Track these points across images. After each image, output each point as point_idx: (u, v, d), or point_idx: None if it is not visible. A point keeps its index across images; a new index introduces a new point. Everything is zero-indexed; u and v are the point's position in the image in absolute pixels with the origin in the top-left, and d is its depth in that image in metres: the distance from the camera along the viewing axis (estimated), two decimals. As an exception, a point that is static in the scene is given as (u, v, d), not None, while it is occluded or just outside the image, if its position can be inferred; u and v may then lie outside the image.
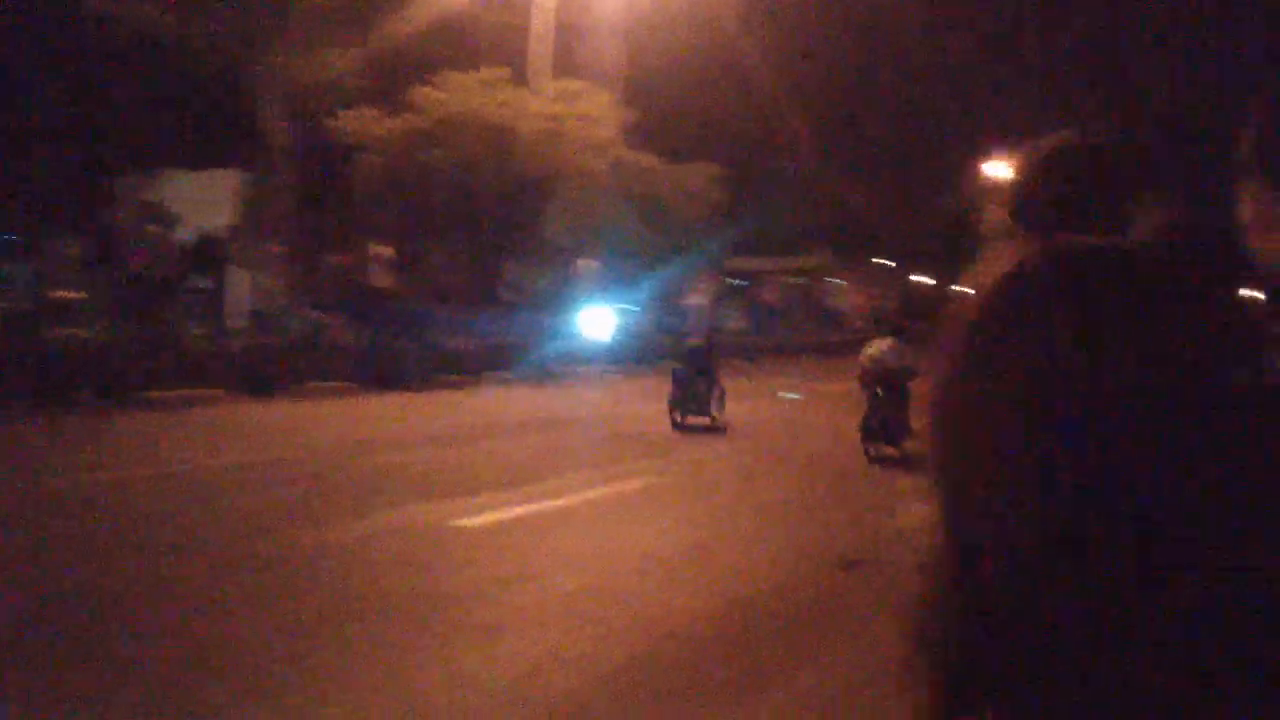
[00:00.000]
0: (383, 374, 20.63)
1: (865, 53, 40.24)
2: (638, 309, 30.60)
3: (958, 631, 1.21)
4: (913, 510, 8.38)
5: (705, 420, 15.86)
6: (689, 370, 16.12)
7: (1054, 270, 1.23)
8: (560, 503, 10.21)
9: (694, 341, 17.18)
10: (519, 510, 9.72)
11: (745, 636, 6.44)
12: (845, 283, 51.50)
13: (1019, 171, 2.31)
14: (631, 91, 28.76)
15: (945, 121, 49.99)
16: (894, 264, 52.57)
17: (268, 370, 18.88)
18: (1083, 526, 1.09)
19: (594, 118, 27.30)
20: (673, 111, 31.03)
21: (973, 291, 1.35)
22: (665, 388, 16.07)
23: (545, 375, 23.69)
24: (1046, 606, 1.12)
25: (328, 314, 21.76)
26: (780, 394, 20.27)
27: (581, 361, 26.36)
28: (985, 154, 56.18)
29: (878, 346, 13.79)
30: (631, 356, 27.90)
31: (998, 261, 1.35)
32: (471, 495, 10.24)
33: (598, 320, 28.64)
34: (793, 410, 20.06)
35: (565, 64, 27.78)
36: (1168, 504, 1.10)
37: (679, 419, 15.82)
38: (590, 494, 10.72)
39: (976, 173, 55.46)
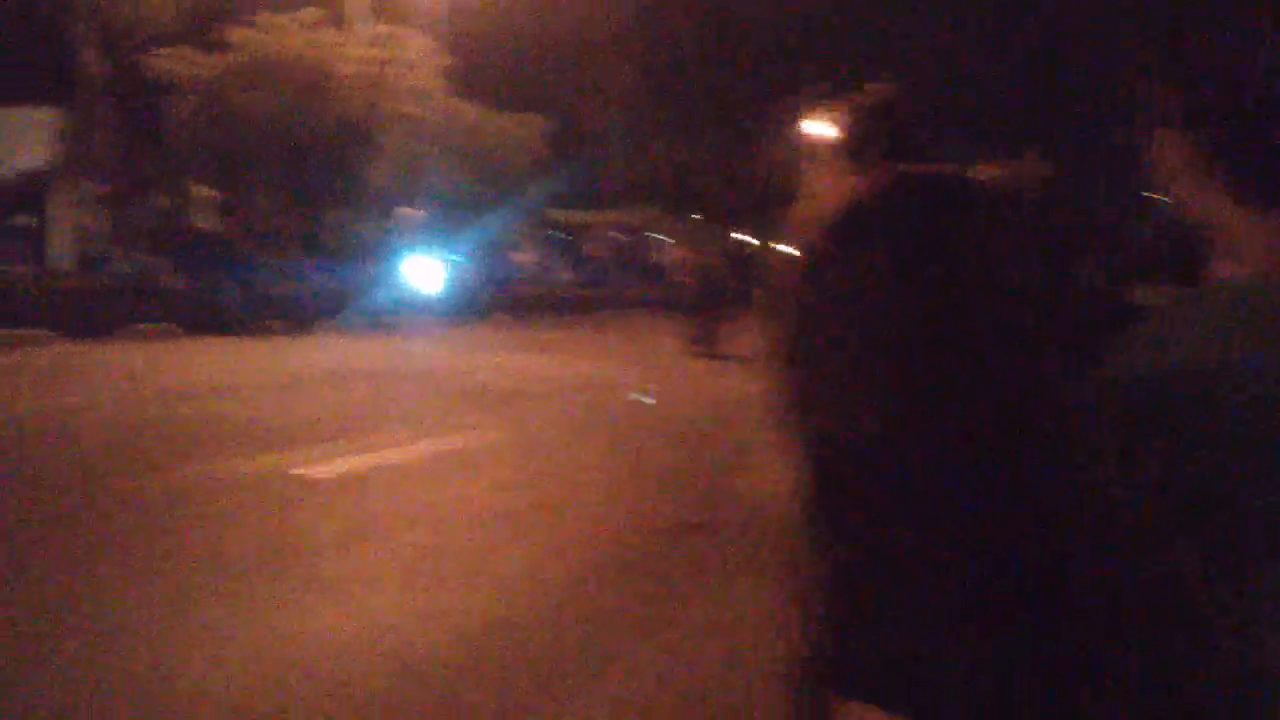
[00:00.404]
0: (208, 319, 20.22)
1: (693, 2, 40.47)
2: (465, 260, 30.47)
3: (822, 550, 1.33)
4: (755, 474, 8.69)
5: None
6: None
7: (902, 188, 1.35)
8: (402, 454, 10.11)
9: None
10: (360, 460, 9.59)
11: (599, 596, 6.36)
12: (668, 239, 52.02)
13: (854, 114, 2.59)
14: (455, 39, 28.51)
15: (769, 77, 50.74)
16: (715, 221, 53.20)
17: (95, 312, 18.37)
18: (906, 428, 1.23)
19: (415, 63, 27.04)
20: (497, 60, 30.93)
21: (804, 219, 1.43)
22: (496, 338, 15.97)
23: (374, 325, 23.47)
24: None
25: (152, 256, 21.18)
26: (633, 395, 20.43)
27: (410, 311, 26.15)
28: (805, 111, 57.59)
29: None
30: (460, 308, 27.81)
31: (837, 185, 1.47)
32: (310, 445, 10.10)
33: (426, 270, 28.42)
34: (634, 372, 20.05)
35: (387, 9, 27.36)
36: (974, 399, 1.24)
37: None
38: (432, 446, 10.63)
39: (797, 130, 56.72)
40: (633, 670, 5.27)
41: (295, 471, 9.06)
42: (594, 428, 12.89)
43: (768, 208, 53.04)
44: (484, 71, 29.31)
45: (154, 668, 4.90)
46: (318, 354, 18.58)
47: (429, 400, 13.88)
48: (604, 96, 39.03)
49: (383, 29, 26.77)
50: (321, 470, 9.19)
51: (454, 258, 29.51)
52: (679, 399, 15.20)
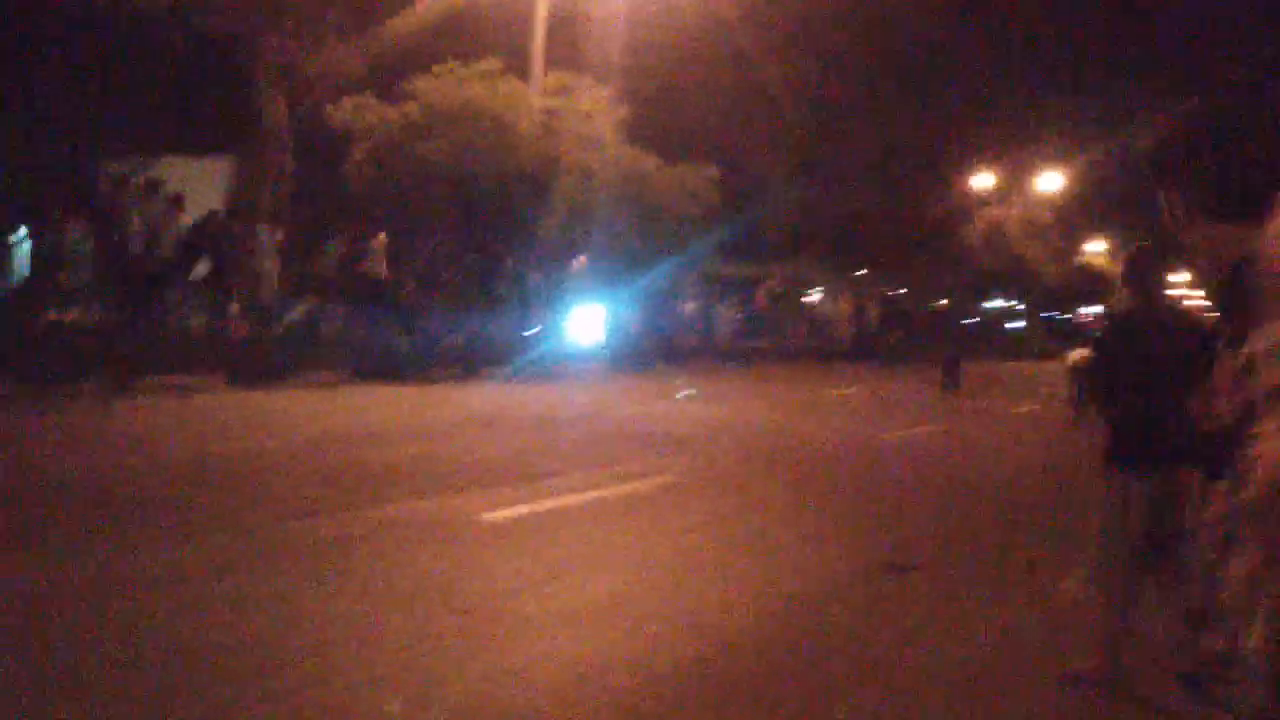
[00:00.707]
0: (378, 366, 20.39)
1: (860, 55, 40.05)
2: (631, 309, 30.47)
3: None
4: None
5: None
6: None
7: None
8: (583, 497, 10.01)
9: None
10: (542, 505, 9.50)
11: (803, 641, 6.26)
12: (826, 292, 51.50)
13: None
14: (629, 87, 28.59)
15: (931, 133, 50.03)
16: (871, 273, 52.46)
17: (267, 360, 18.64)
18: None
19: (591, 113, 27.14)
20: (669, 109, 30.93)
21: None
22: (661, 388, 15.97)
23: (541, 372, 23.48)
24: None
25: (324, 303, 21.51)
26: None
27: (576, 360, 26.20)
28: (969, 167, 56.52)
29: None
30: (626, 357, 27.78)
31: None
32: (489, 488, 10.05)
33: (592, 319, 28.49)
34: (806, 412, 20.00)
35: (565, 57, 27.58)
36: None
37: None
38: (611, 489, 10.50)
39: (961, 184, 55.68)
40: (855, 710, 5.26)
41: (479, 515, 8.94)
42: (771, 469, 12.88)
43: (924, 261, 52.25)
44: (656, 121, 29.34)
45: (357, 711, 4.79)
46: (487, 400, 18.65)
47: (602, 445, 13.87)
48: (771, 146, 38.78)
49: (561, 78, 26.93)
50: (505, 513, 9.10)
51: (620, 308, 29.52)
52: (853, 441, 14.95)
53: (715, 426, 16.46)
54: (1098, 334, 6.71)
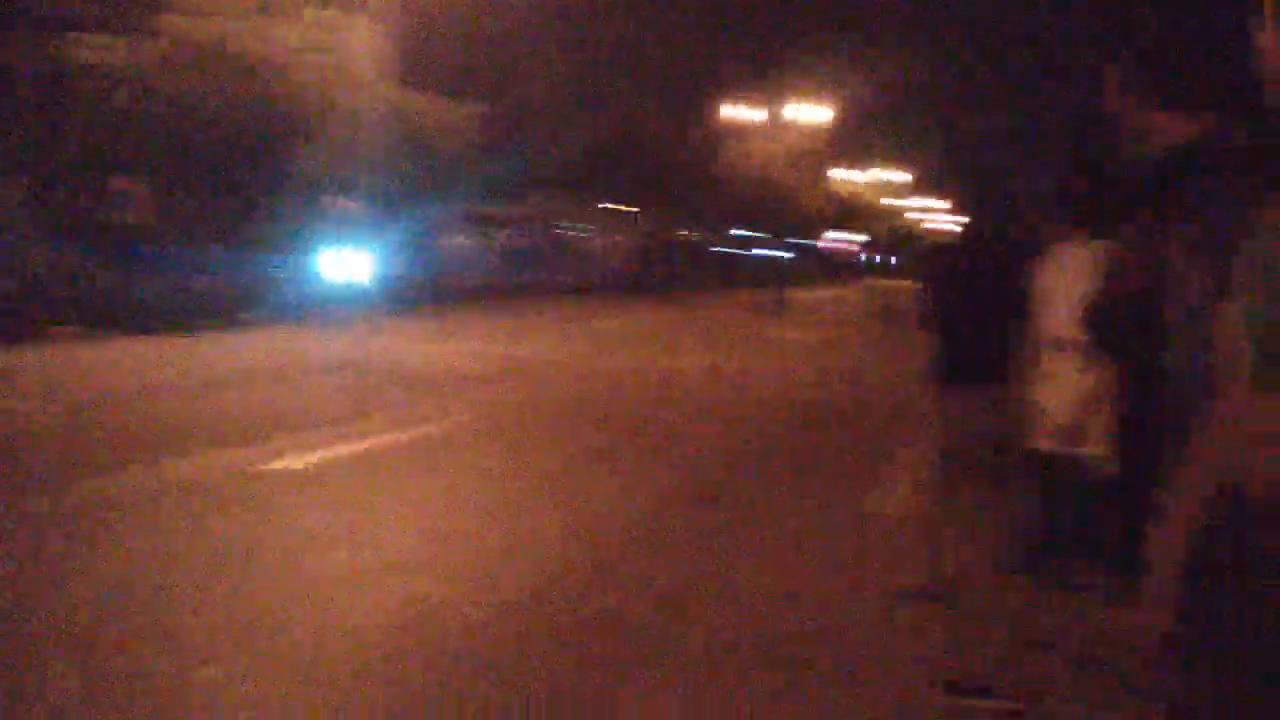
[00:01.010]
0: (125, 317, 19.34)
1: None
2: (398, 249, 29.98)
3: None
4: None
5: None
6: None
7: None
8: (373, 444, 9.88)
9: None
10: (333, 453, 9.35)
11: (626, 576, 6.30)
12: (589, 226, 51.68)
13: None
14: (393, 22, 27.83)
15: (682, 65, 50.55)
16: (635, 205, 52.75)
17: (13, 313, 17.57)
18: None
19: (354, 49, 26.37)
20: (434, 43, 30.30)
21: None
22: (431, 327, 15.72)
23: (307, 317, 22.92)
24: None
25: (70, 252, 20.28)
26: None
27: (338, 303, 25.65)
28: (723, 96, 57.38)
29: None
30: (393, 299, 27.34)
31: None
32: (276, 439, 9.79)
33: (356, 262, 27.90)
34: (582, 345, 20.09)
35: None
36: None
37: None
38: (399, 435, 10.40)
39: (715, 115, 56.47)
40: (703, 643, 5.28)
41: (271, 466, 8.77)
42: (561, 407, 13.00)
43: (685, 193, 52.94)
44: (422, 57, 28.71)
45: (145, 676, 4.64)
46: (255, 349, 18.04)
47: (383, 390, 13.63)
48: (537, 79, 38.40)
49: (320, 14, 25.98)
50: (296, 463, 8.92)
51: (383, 248, 29.00)
52: (630, 373, 15.21)
53: (497, 366, 16.44)
54: (931, 256, 6.95)
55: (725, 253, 63.63)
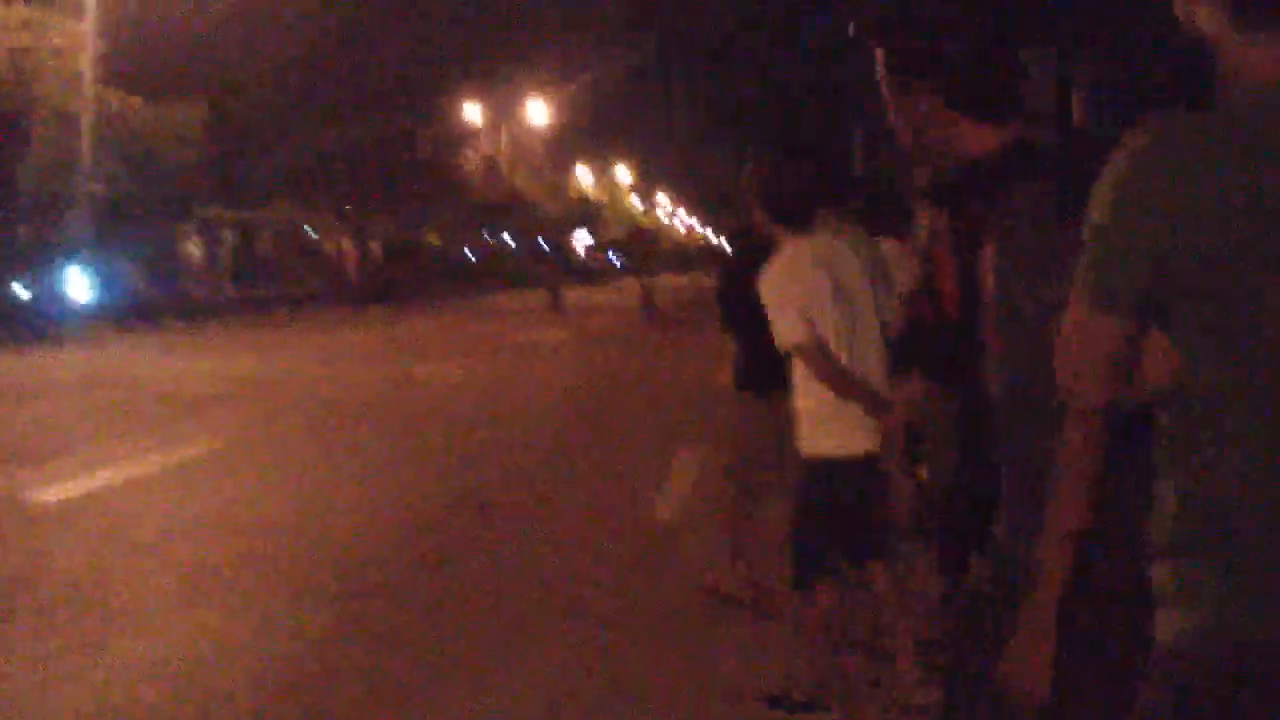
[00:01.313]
0: None
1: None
2: (129, 262, 28.39)
3: None
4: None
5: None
6: None
7: None
8: (136, 469, 9.22)
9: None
10: (95, 480, 8.73)
11: (425, 587, 6.16)
12: (329, 233, 50.37)
13: (764, 177, 4.33)
14: (107, 22, 26.24)
15: (422, 63, 49.83)
16: (371, 210, 51.57)
17: None
18: None
19: (67, 50, 24.72)
20: (153, 43, 28.73)
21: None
22: (172, 342, 14.82)
23: (36, 336, 21.35)
24: None
25: None
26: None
27: (74, 319, 24.01)
28: (457, 97, 56.83)
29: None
30: (128, 313, 25.79)
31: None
32: (31, 466, 9.10)
33: (83, 275, 26.20)
34: (334, 359, 19.38)
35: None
36: None
37: None
38: (163, 458, 9.74)
39: (452, 115, 55.89)
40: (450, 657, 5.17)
41: (30, 496, 8.12)
42: (324, 420, 12.48)
43: (422, 196, 52.16)
44: (138, 59, 27.13)
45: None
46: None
47: (136, 411, 12.85)
48: (264, 82, 36.92)
49: (24, 11, 24.21)
50: (58, 493, 8.27)
51: (118, 261, 27.45)
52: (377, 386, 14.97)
53: (250, 382, 15.68)
54: (728, 260, 6.76)
55: (471, 257, 63.15)
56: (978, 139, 2.36)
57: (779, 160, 4.34)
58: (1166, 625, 1.65)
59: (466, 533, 7.37)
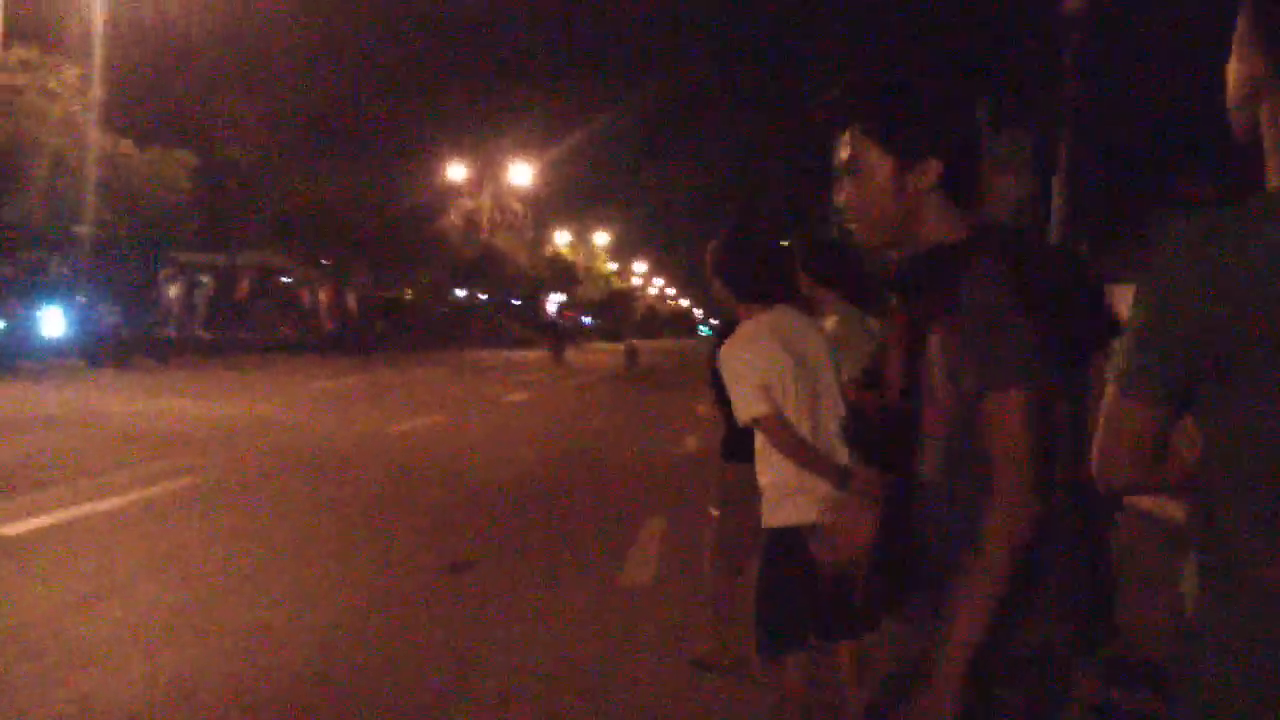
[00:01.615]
0: None
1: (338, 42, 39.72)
2: (107, 301, 28.64)
3: None
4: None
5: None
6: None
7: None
8: (105, 505, 9.29)
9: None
10: (63, 515, 8.75)
11: (390, 647, 6.07)
12: (306, 283, 50.65)
13: (721, 251, 4.35)
14: (104, 66, 26.75)
15: (408, 121, 50.47)
16: (351, 263, 51.97)
17: None
18: None
19: (60, 93, 25.18)
20: (147, 90, 29.29)
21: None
22: (149, 384, 14.95)
23: (3, 369, 21.59)
24: None
25: None
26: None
27: (49, 355, 24.21)
28: (443, 156, 57.59)
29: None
30: (103, 351, 26.03)
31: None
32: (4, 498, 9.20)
33: (61, 312, 26.48)
34: (310, 407, 19.53)
35: (30, 31, 25.27)
36: None
37: None
38: (132, 496, 9.79)
39: (435, 174, 56.59)
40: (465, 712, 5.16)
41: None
42: (299, 469, 12.43)
43: (402, 251, 52.61)
44: (134, 104, 27.68)
45: None
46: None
47: (109, 448, 12.87)
48: (246, 132, 37.46)
49: (22, 53, 24.67)
50: (23, 527, 8.31)
51: (96, 300, 27.69)
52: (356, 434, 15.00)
53: (225, 426, 15.75)
54: (719, 330, 6.39)
55: (447, 313, 63.49)
56: (941, 224, 2.32)
57: (735, 235, 4.37)
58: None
59: (434, 594, 7.21)
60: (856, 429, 3.16)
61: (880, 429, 2.50)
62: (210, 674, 5.38)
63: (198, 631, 6.04)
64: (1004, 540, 2.07)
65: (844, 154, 2.41)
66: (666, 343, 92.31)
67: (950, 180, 2.30)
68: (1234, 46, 1.76)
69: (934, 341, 2.23)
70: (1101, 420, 1.77)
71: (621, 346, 42.27)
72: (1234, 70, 1.77)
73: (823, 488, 3.93)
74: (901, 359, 2.35)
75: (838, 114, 2.42)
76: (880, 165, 2.31)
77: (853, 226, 2.47)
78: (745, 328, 4.24)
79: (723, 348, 4.24)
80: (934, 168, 2.29)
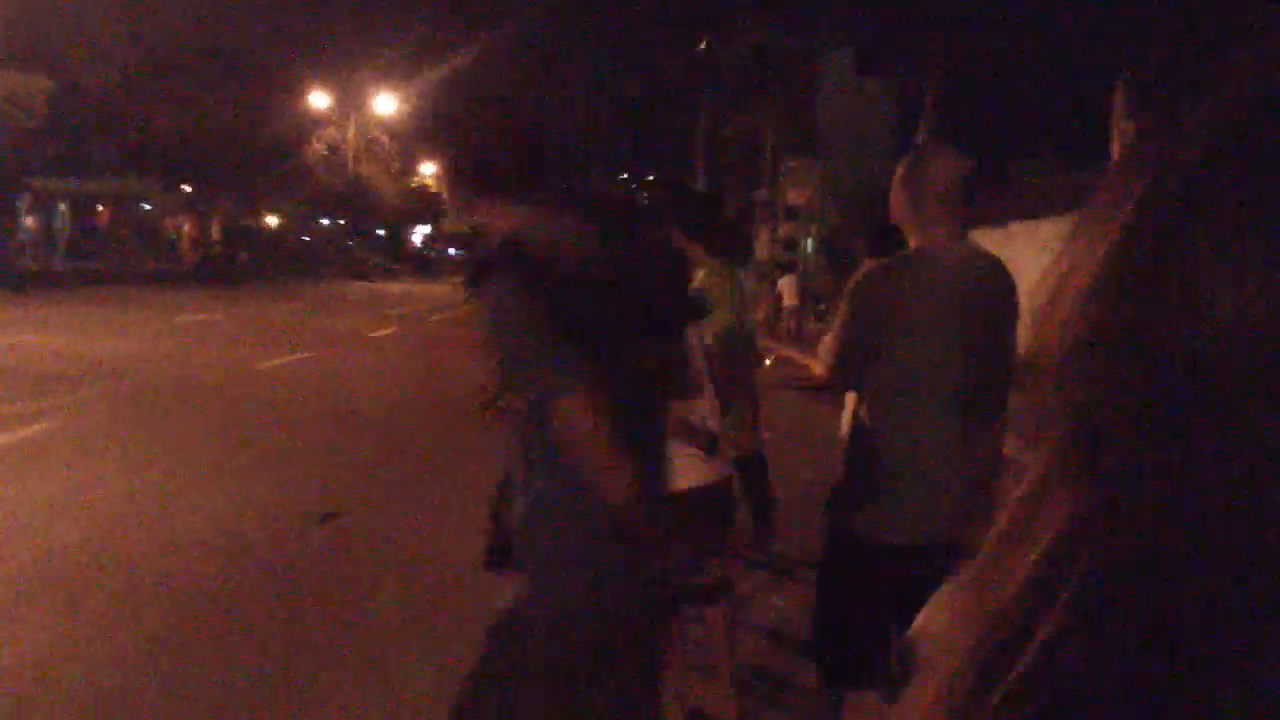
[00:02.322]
0: None
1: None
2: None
3: None
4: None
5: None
6: None
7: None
8: None
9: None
10: None
11: (259, 600, 5.95)
12: (159, 208, 49.66)
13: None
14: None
15: (269, 48, 49.52)
16: (212, 192, 50.96)
17: None
18: None
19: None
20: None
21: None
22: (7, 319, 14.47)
23: None
24: None
25: None
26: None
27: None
28: (306, 81, 56.54)
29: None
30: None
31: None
32: None
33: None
34: (171, 341, 19.25)
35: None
36: None
37: None
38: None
39: (298, 103, 55.56)
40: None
41: None
42: (164, 408, 12.23)
43: (264, 180, 51.85)
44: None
45: None
46: None
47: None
48: (105, 56, 36.50)
49: None
50: None
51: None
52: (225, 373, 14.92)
53: (83, 362, 15.16)
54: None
55: (311, 244, 62.80)
56: (499, 218, 2.49)
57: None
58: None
59: (312, 540, 7.11)
60: None
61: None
62: (82, 629, 5.32)
63: (69, 585, 5.96)
64: (617, 502, 2.28)
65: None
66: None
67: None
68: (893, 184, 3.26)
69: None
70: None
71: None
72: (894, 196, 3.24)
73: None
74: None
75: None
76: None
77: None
78: None
79: None
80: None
